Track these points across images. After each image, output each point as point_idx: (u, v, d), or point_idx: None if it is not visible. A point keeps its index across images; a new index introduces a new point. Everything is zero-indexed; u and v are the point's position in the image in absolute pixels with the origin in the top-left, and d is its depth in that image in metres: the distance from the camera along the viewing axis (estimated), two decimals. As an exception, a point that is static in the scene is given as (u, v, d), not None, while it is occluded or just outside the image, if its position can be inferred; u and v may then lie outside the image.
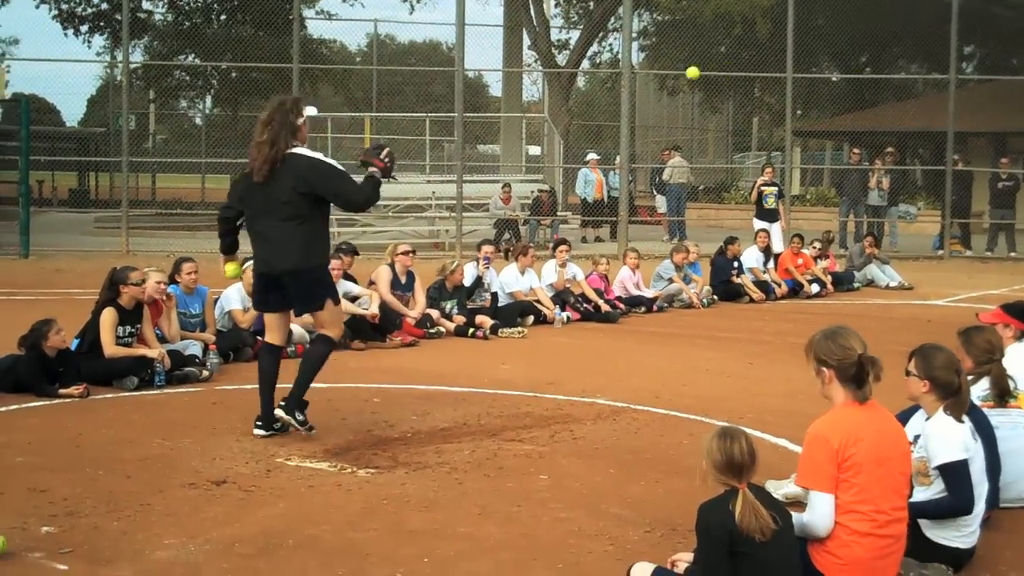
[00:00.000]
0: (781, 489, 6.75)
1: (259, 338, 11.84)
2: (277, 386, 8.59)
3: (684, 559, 5.32)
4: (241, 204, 8.48)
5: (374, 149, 8.42)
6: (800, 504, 5.78)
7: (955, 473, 5.80)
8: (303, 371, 8.52)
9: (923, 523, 5.81)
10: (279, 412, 8.38)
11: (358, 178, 8.30)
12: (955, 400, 5.94)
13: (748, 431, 5.31)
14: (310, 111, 8.31)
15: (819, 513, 5.26)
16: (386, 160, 8.31)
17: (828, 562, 5.26)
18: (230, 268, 9.20)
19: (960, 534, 5.85)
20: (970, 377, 6.78)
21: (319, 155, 8.25)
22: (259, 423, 8.50)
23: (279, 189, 8.05)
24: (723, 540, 4.92)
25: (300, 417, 8.37)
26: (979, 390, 6.87)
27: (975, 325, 7.33)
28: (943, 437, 5.85)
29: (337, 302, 8.63)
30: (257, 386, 8.57)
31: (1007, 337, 7.64)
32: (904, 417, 6.18)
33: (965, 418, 5.94)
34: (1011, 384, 7.03)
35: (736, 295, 17.92)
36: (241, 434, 8.59)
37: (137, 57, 34.56)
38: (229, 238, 8.88)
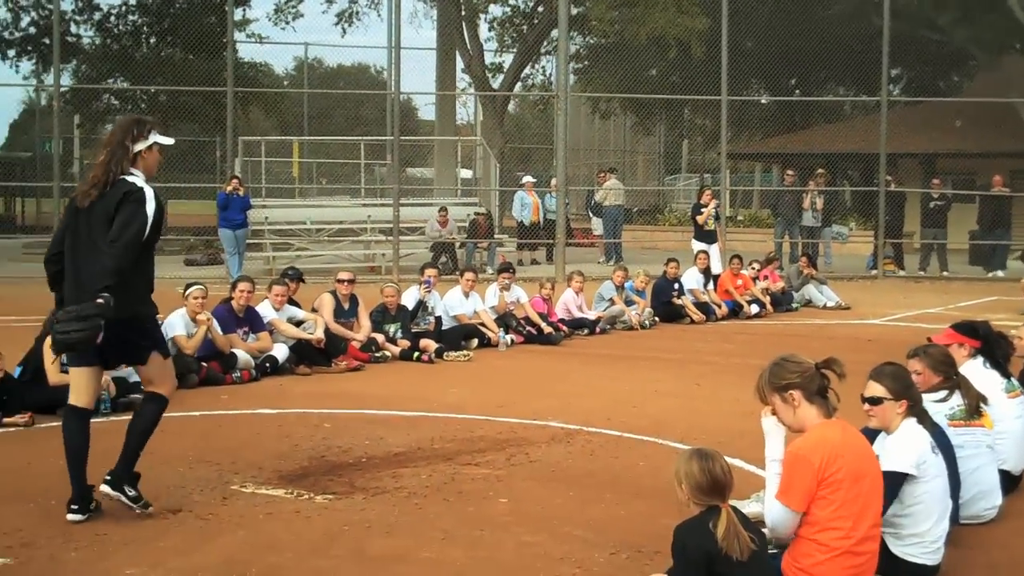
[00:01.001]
0: (744, 509, 6.74)
1: (203, 364, 11.82)
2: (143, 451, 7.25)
3: (659, 580, 5.31)
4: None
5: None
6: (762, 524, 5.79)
7: (887, 484, 5.80)
8: (132, 438, 7.17)
9: (889, 540, 5.83)
10: (104, 488, 6.96)
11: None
12: (919, 407, 6.03)
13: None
14: (161, 140, 7.14)
15: (779, 523, 5.39)
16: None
17: (803, 580, 5.27)
18: None
19: (926, 551, 5.87)
20: (943, 393, 6.86)
21: (148, 190, 6.92)
22: (74, 506, 6.93)
23: (99, 219, 6.85)
24: (700, 562, 4.90)
25: (131, 493, 7.00)
26: (947, 408, 6.92)
27: (927, 344, 7.41)
28: (901, 447, 5.86)
29: (166, 355, 7.37)
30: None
31: (961, 356, 7.69)
32: (869, 436, 6.19)
33: (926, 433, 5.97)
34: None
35: (677, 316, 17.97)
36: (193, 461, 8.47)
37: (66, 81, 34.02)
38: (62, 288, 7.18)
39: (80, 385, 7.08)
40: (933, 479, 5.89)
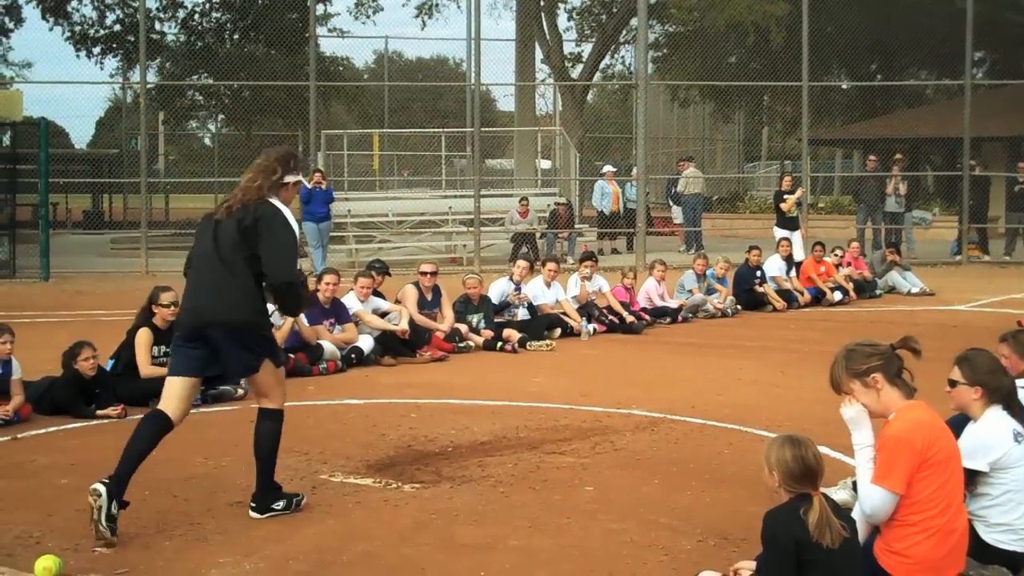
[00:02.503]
0: (834, 496, 6.71)
1: (290, 355, 11.97)
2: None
3: (747, 567, 5.31)
4: None
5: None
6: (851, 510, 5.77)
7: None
8: (261, 459, 7.09)
9: (978, 526, 5.78)
10: (254, 515, 7.00)
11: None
12: (1002, 395, 5.93)
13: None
14: (305, 182, 7.19)
15: (880, 508, 5.31)
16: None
17: (896, 563, 5.25)
18: None
19: (1016, 537, 5.82)
20: (1032, 380, 6.77)
21: (289, 212, 7.12)
22: (105, 480, 6.56)
23: (228, 230, 6.95)
24: (790, 549, 4.89)
25: (279, 505, 7.07)
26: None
27: (1017, 329, 7.31)
28: (976, 443, 5.78)
29: (279, 364, 7.18)
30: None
31: (1054, 340, 7.58)
32: (956, 424, 6.13)
33: (1009, 421, 5.91)
34: None
35: (759, 304, 17.91)
36: (282, 452, 8.47)
37: (151, 78, 34.53)
38: None
39: (172, 393, 6.89)
40: (1019, 466, 5.83)
